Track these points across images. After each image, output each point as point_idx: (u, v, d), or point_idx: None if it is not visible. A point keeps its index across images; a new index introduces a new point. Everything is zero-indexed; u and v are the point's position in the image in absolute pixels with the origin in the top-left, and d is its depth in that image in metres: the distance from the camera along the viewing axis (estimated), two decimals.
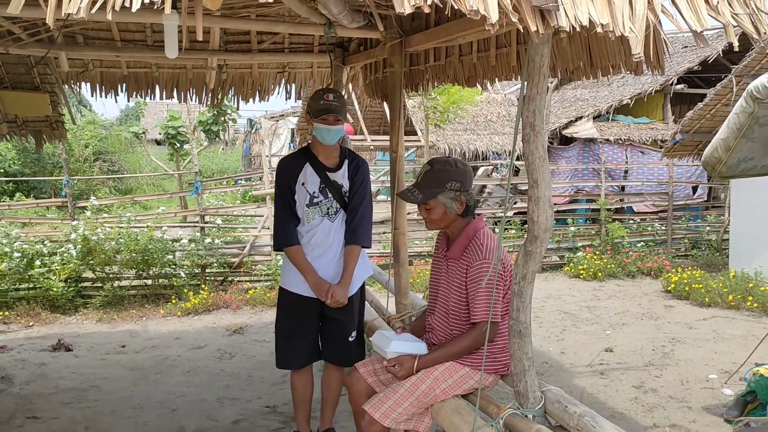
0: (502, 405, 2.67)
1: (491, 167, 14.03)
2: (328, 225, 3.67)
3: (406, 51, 4.08)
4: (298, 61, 6.13)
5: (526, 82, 2.40)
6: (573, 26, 1.75)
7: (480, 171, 14.08)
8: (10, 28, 4.64)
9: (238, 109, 6.40)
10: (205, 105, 6.66)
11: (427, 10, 1.72)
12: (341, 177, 3.68)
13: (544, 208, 2.49)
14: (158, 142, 24.63)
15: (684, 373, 5.73)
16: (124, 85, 6.03)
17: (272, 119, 24.76)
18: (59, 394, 5.32)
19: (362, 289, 3.86)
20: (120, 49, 5.39)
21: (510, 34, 3.26)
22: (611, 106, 13.03)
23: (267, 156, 10.66)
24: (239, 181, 19.08)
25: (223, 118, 15.03)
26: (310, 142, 3.83)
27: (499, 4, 1.75)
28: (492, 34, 3.26)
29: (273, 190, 9.75)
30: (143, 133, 17.99)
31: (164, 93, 6.20)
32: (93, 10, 1.60)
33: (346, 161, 3.71)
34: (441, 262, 3.10)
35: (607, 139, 12.65)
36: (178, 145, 14.89)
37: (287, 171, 3.71)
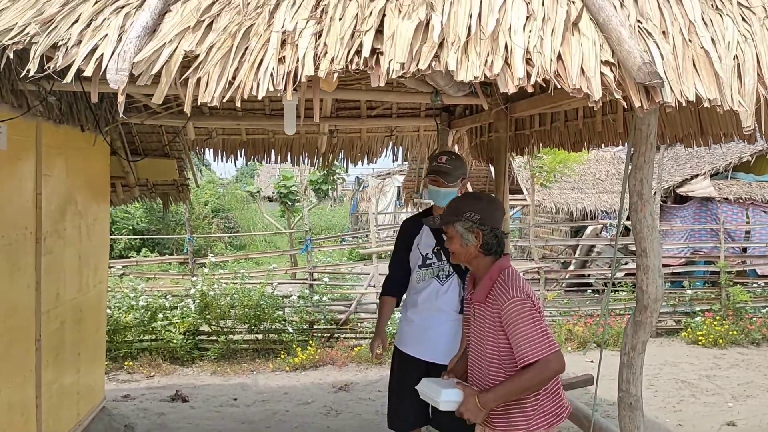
0: None
1: (600, 226, 13.68)
2: (437, 287, 3.72)
3: (511, 117, 4.17)
4: (405, 125, 6.35)
5: (632, 150, 2.41)
6: (679, 101, 1.77)
7: (588, 230, 13.76)
8: (147, 102, 5.12)
9: (347, 170, 6.72)
10: (316, 167, 6.97)
11: (530, 89, 1.80)
12: None
13: (653, 278, 2.46)
14: (270, 200, 25.76)
15: None
16: (243, 150, 6.46)
17: (379, 177, 25.33)
18: None
19: None
20: (241, 118, 5.81)
21: (617, 102, 3.27)
22: (730, 163, 12.47)
23: (374, 213, 10.89)
24: (345, 239, 19.59)
25: (332, 177, 15.59)
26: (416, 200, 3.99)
27: (602, 81, 1.80)
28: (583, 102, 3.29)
29: (379, 249, 9.90)
30: (258, 191, 18.90)
31: (279, 157, 6.57)
32: (225, 99, 1.80)
33: None
34: (468, 305, 3.04)
35: (726, 198, 12.06)
36: (290, 203, 15.54)
37: (406, 230, 3.86)
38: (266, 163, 6.70)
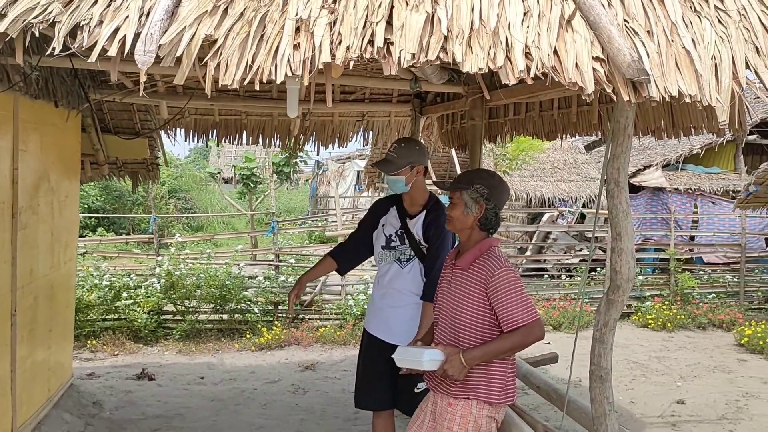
0: None
1: (556, 213, 14.06)
2: (398, 270, 3.79)
3: (487, 105, 4.33)
4: (377, 110, 6.45)
5: (611, 142, 2.59)
6: (663, 96, 1.94)
7: (545, 217, 14.12)
8: (123, 81, 5.10)
9: (318, 153, 6.74)
10: (287, 150, 7.02)
11: (530, 82, 1.95)
12: (414, 225, 3.79)
13: (626, 260, 2.65)
14: (226, 181, 25.54)
15: (759, 429, 5.64)
16: (215, 131, 6.47)
17: (339, 161, 25.36)
18: (147, 421, 5.62)
19: None
20: (215, 98, 5.81)
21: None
22: (681, 155, 12.96)
23: (339, 197, 10.98)
24: (304, 222, 19.63)
25: (294, 160, 15.61)
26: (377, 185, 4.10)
27: (594, 76, 1.96)
28: (574, 93, 3.46)
29: (345, 231, 10.00)
30: (218, 172, 18.76)
31: (251, 138, 6.61)
32: (245, 82, 1.89)
33: (425, 211, 3.78)
34: (446, 271, 3.13)
35: (677, 189, 12.55)
36: (252, 185, 15.50)
37: (376, 208, 3.97)
38: (238, 144, 6.73)
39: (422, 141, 6.30)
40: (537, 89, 3.58)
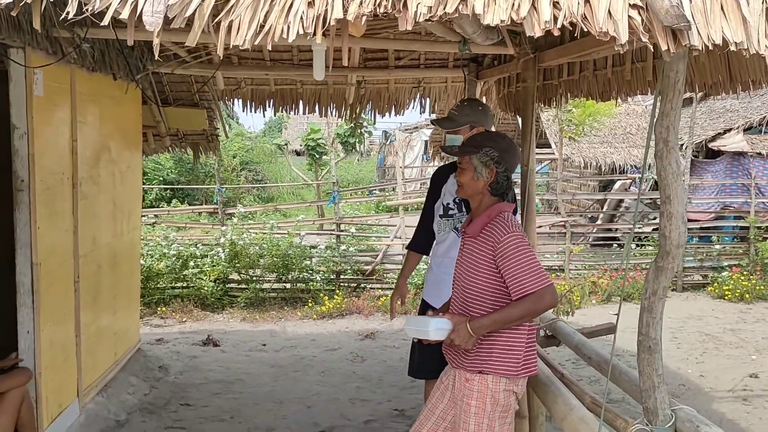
0: (630, 420, 2.67)
1: (629, 181, 13.55)
2: (455, 240, 3.67)
3: (539, 66, 4.14)
4: (433, 76, 6.32)
5: (659, 98, 2.41)
6: (706, 45, 1.77)
7: (617, 185, 13.65)
8: (177, 51, 5.16)
9: (374, 123, 6.68)
10: (344, 119, 6.99)
11: (556, 33, 1.82)
12: None
13: (676, 224, 2.48)
14: (298, 153, 25.81)
15: None
16: (272, 101, 6.49)
17: (406, 131, 25.22)
18: (209, 385, 5.79)
19: None
20: (269, 68, 5.82)
21: (646, 48, 3.23)
22: (764, 117, 12.20)
23: (401, 167, 10.93)
24: (373, 192, 19.66)
25: (359, 131, 15.59)
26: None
27: (629, 24, 1.81)
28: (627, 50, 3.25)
29: (405, 201, 9.97)
30: (285, 144, 18.99)
31: (307, 108, 6.60)
32: (256, 42, 1.84)
33: None
34: (461, 240, 3.03)
35: (759, 153, 11.85)
36: (318, 156, 15.63)
37: (436, 178, 3.88)
38: (294, 114, 6.74)
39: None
40: (588, 46, 3.40)
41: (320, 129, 15.75)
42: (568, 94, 4.27)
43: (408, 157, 23.85)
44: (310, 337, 7.58)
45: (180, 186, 19.42)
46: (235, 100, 6.58)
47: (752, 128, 12.42)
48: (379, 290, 9.11)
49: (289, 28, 1.79)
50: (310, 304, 8.57)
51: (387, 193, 17.66)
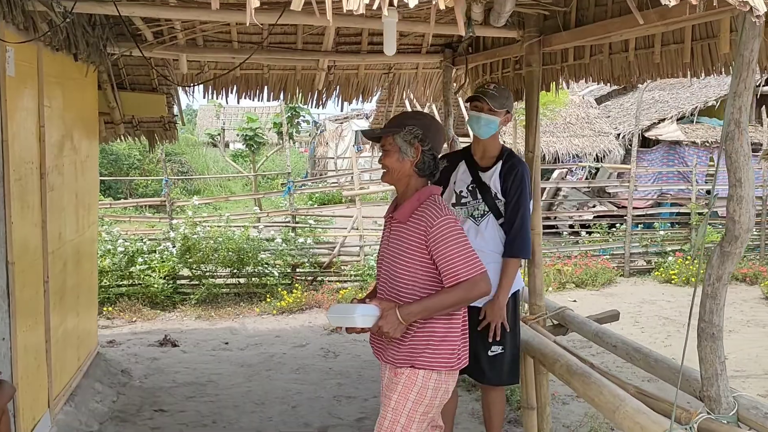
0: (693, 410, 2.60)
1: (566, 170, 13.82)
2: (473, 228, 3.50)
3: (544, 50, 4.05)
4: (404, 62, 6.16)
5: (733, 78, 2.34)
6: None
7: (555, 174, 13.89)
8: (144, 31, 4.78)
9: (342, 108, 6.28)
10: (310, 105, 6.72)
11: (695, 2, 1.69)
12: (489, 178, 3.51)
13: (747, 208, 2.42)
14: (214, 144, 24.88)
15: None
16: (235, 86, 6.16)
17: (337, 121, 24.94)
18: (179, 388, 5.43)
19: (514, 303, 3.60)
20: (237, 50, 5.50)
21: (683, 30, 3.17)
22: (696, 107, 12.70)
23: (355, 157, 10.72)
24: (290, 184, 19.29)
25: (297, 120, 15.26)
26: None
27: None
28: (657, 31, 3.19)
29: (362, 191, 9.72)
30: (219, 134, 18.36)
31: (272, 94, 6.31)
32: None
33: (500, 162, 3.50)
34: (386, 226, 2.88)
35: (694, 142, 12.33)
36: (255, 146, 15.15)
37: (446, 167, 3.70)
38: (259, 100, 6.42)
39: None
40: (614, 28, 3.32)
41: (257, 119, 15.28)
42: (572, 79, 4.19)
43: (339, 147, 23.59)
44: (274, 333, 7.29)
45: (101, 178, 18.48)
46: (196, 85, 6.20)
47: (684, 118, 12.90)
48: (337, 283, 8.90)
49: None
50: (268, 300, 8.26)
51: (321, 185, 17.36)
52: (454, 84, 6.23)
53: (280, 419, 4.78)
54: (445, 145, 5.01)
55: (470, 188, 3.59)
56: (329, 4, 1.64)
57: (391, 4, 1.72)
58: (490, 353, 3.48)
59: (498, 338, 3.47)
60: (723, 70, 3.10)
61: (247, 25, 1.66)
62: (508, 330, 3.49)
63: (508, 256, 3.45)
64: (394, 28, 2.96)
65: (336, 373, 5.88)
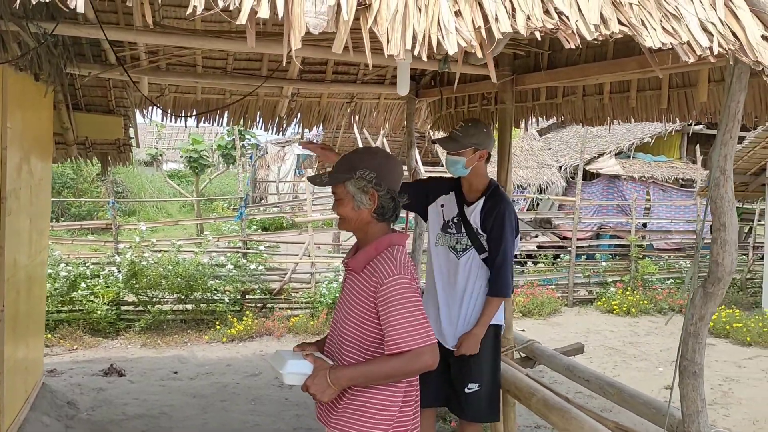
0: None
1: None
2: (453, 261, 3.53)
3: (516, 88, 4.16)
4: (367, 92, 6.22)
5: (719, 128, 2.47)
6: None
7: None
8: (106, 51, 4.66)
9: (303, 135, 6.08)
10: (271, 132, 6.67)
11: (713, 60, 1.78)
12: (471, 213, 3.54)
13: (729, 252, 2.54)
14: (147, 164, 24.23)
15: (751, 413, 5.77)
16: (194, 110, 6.08)
17: (278, 144, 24.75)
18: (130, 422, 5.23)
19: (495, 340, 3.60)
20: (200, 75, 5.44)
21: (657, 78, 3.32)
22: (632, 143, 13.24)
23: (275, 181, 10.64)
24: (243, 209, 19.00)
25: (242, 143, 15.07)
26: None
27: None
28: (634, 77, 3.33)
29: (315, 218, 9.65)
30: (160, 155, 17.94)
31: (233, 119, 6.25)
32: (415, 53, 1.63)
33: (483, 198, 3.53)
34: (345, 272, 2.61)
35: (632, 176, 12.82)
36: (199, 168, 14.87)
37: (438, 183, 3.74)
38: (219, 125, 6.34)
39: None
40: (591, 72, 3.45)
41: (202, 140, 15.02)
42: (543, 117, 4.31)
43: (281, 171, 23.38)
44: (224, 362, 7.12)
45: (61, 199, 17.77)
46: (155, 108, 6.08)
47: (621, 153, 13.41)
48: (288, 310, 8.78)
49: (445, 39, 1.61)
50: (217, 327, 8.07)
51: (263, 210, 17.13)
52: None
53: None
54: (406, 173, 5.05)
55: (455, 220, 3.61)
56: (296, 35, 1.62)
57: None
58: (467, 390, 3.49)
59: (473, 375, 3.50)
60: (699, 117, 3.25)
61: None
62: (479, 362, 3.52)
63: (491, 294, 3.47)
64: (408, 68, 2.99)
65: (293, 404, 5.77)
